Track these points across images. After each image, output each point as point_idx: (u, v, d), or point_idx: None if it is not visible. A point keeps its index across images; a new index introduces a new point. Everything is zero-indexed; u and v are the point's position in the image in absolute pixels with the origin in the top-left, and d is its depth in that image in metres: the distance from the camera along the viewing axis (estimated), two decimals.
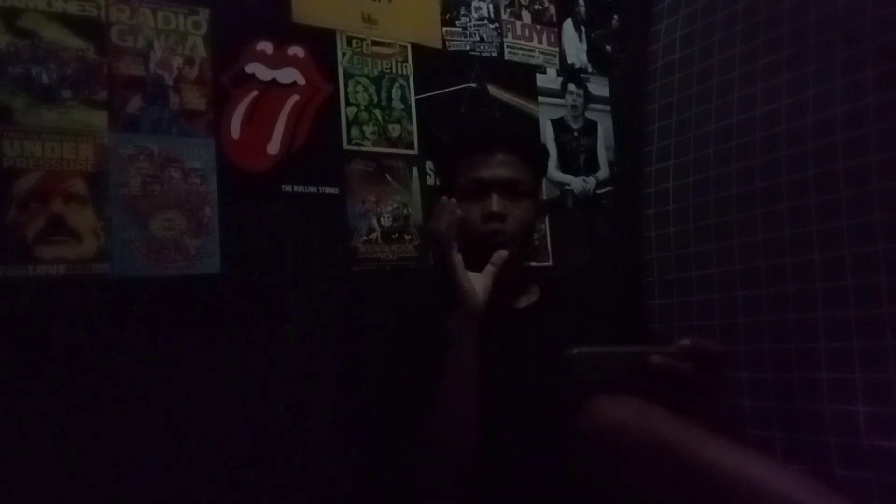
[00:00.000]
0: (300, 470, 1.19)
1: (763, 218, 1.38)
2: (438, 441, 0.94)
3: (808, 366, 1.27)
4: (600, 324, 1.13)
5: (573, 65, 1.70)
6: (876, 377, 1.17)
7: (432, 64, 1.47)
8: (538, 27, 1.65)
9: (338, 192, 1.31)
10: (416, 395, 0.99)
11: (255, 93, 1.25)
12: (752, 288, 1.39)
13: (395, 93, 1.41)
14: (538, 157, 1.23)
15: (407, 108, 1.42)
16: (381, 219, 1.35)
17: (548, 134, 1.63)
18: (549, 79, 1.65)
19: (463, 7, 1.54)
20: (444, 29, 1.51)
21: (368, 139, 1.37)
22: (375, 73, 1.40)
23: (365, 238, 1.33)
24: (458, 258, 0.98)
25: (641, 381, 0.84)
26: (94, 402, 1.05)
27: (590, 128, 1.70)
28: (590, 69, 1.73)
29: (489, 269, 1.00)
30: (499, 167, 1.12)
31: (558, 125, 1.65)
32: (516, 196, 1.12)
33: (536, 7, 1.66)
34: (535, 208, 1.16)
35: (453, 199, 1.02)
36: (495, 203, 1.09)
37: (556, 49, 1.68)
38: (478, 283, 0.98)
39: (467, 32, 1.54)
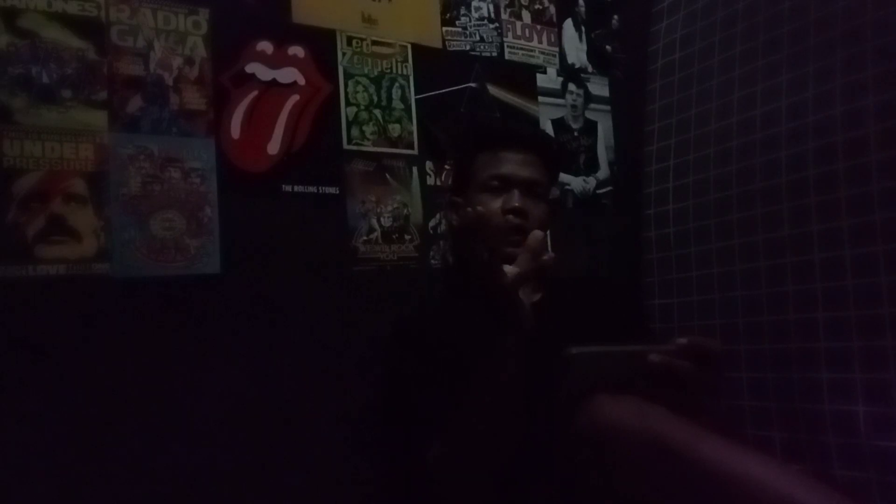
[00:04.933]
0: (300, 470, 1.18)
1: (763, 218, 1.38)
2: (471, 448, 0.94)
3: (808, 366, 1.27)
4: (603, 318, 1.13)
5: (573, 65, 1.70)
6: (876, 377, 1.17)
7: (432, 64, 1.46)
8: (538, 27, 1.65)
9: (338, 192, 1.31)
10: (429, 393, 0.99)
11: (255, 93, 1.25)
12: (752, 288, 1.38)
13: (395, 93, 1.41)
14: (557, 163, 1.24)
15: (407, 108, 1.42)
16: (381, 219, 1.35)
17: None
18: (549, 79, 1.65)
19: (463, 7, 1.54)
20: (444, 29, 1.51)
21: (368, 139, 1.36)
22: (375, 72, 1.39)
23: (365, 238, 1.33)
24: (510, 273, 0.84)
25: (641, 381, 0.84)
26: (95, 402, 1.05)
27: (590, 128, 1.70)
28: (590, 69, 1.72)
29: (524, 258, 0.86)
30: (523, 166, 1.14)
31: (558, 125, 1.65)
32: (535, 197, 1.14)
33: (536, 7, 1.66)
34: (549, 212, 1.18)
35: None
36: (519, 199, 1.11)
37: (556, 49, 1.67)
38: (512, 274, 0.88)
39: (467, 32, 1.54)
